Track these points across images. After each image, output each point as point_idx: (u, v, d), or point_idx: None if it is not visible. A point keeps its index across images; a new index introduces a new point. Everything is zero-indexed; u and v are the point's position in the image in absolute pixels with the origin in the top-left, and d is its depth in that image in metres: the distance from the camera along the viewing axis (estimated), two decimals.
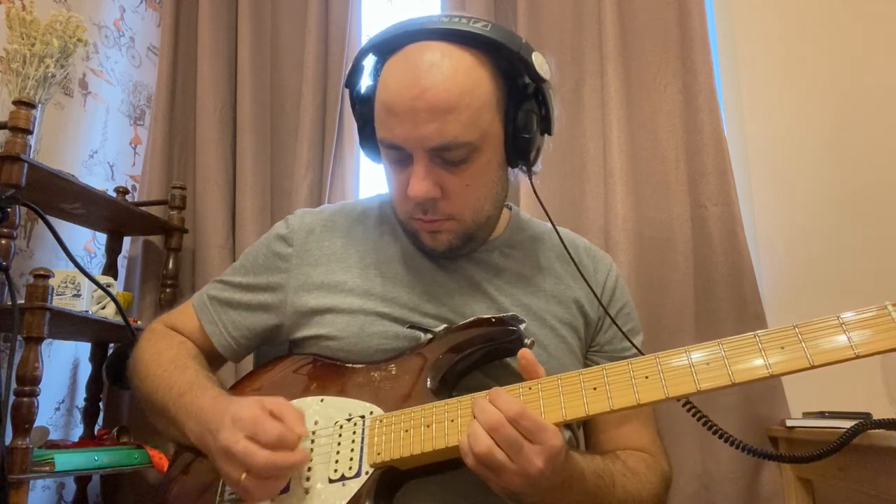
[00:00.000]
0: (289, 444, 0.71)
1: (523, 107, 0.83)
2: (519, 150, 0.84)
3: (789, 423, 1.37)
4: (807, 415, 1.36)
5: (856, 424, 0.90)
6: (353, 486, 0.74)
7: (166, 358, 0.90)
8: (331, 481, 0.75)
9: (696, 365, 0.67)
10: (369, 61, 0.86)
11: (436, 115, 0.77)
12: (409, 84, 0.78)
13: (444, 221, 0.85)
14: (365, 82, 0.87)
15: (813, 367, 0.63)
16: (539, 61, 0.81)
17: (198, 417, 0.79)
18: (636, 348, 0.90)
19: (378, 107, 0.82)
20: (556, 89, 0.87)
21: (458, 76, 0.78)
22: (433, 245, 0.88)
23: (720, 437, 0.78)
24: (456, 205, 0.83)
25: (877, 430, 0.92)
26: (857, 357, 0.62)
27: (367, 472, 0.74)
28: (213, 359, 0.97)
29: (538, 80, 0.82)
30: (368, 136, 0.87)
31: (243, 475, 0.70)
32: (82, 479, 1.64)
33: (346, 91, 0.91)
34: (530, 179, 0.89)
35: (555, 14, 1.79)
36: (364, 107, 0.87)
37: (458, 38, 0.79)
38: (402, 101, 0.78)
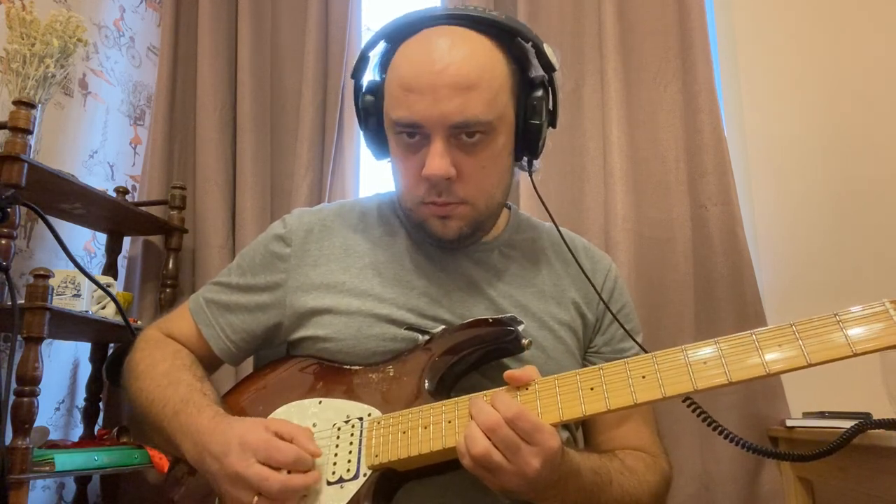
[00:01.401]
0: (305, 465, 0.73)
1: (535, 94, 0.83)
2: (528, 139, 0.84)
3: (789, 423, 1.37)
4: (807, 415, 1.36)
5: (856, 424, 0.90)
6: (352, 489, 0.74)
7: (160, 371, 0.89)
8: (329, 483, 0.75)
9: (693, 364, 0.66)
10: (377, 51, 0.86)
11: (458, 90, 0.77)
12: (430, 60, 0.78)
13: (457, 206, 0.83)
14: (374, 73, 0.87)
15: (810, 366, 0.63)
16: (550, 51, 0.83)
17: (194, 438, 0.78)
18: (640, 346, 0.90)
19: (393, 87, 0.81)
20: (559, 84, 0.87)
21: (478, 55, 0.79)
22: (443, 232, 0.85)
23: (720, 433, 0.78)
24: (470, 188, 0.82)
25: (877, 430, 0.92)
26: (855, 355, 0.62)
27: (364, 474, 0.74)
28: (210, 363, 0.96)
29: (549, 69, 0.83)
30: (373, 128, 0.87)
31: (255, 498, 0.70)
32: (82, 479, 1.64)
33: (346, 90, 0.91)
34: (530, 175, 0.89)
35: (555, 14, 1.78)
36: (371, 96, 0.86)
37: (473, 23, 0.80)
38: (424, 77, 0.77)
